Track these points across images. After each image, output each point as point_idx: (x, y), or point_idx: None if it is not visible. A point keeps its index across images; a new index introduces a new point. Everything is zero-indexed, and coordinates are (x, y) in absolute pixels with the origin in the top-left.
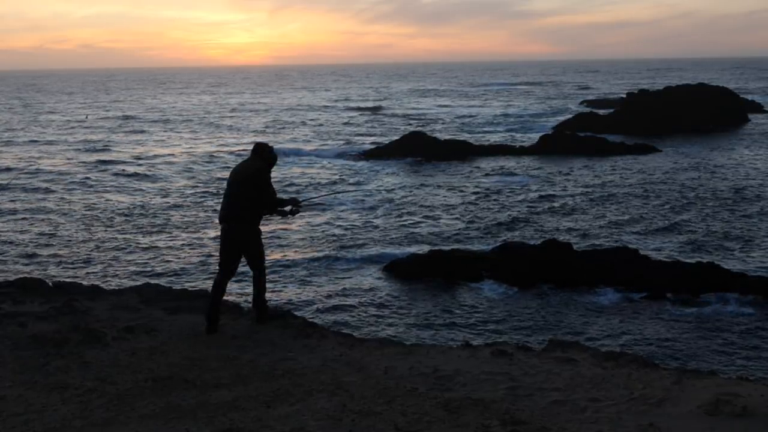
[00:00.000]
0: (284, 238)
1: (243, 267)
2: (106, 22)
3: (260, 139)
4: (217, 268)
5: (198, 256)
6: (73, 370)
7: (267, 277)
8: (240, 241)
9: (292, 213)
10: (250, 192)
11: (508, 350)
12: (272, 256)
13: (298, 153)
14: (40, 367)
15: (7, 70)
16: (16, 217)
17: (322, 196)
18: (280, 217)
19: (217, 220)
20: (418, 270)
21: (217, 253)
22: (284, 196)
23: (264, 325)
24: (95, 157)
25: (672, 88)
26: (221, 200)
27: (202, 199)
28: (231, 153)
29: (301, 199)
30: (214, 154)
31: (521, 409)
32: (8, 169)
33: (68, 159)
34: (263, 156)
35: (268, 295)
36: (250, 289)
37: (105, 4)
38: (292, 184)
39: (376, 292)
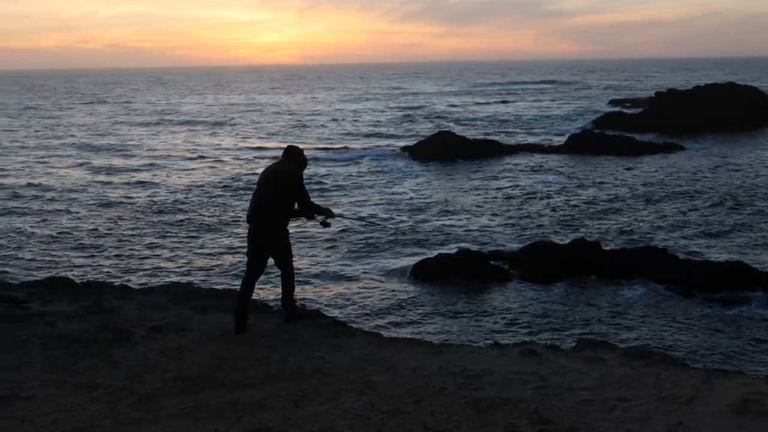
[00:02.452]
0: (312, 237)
1: (272, 267)
2: (133, 21)
3: (289, 138)
4: (245, 267)
5: (227, 256)
6: (101, 370)
7: (295, 276)
8: (266, 242)
9: (324, 224)
10: (281, 194)
11: (536, 350)
12: (300, 255)
13: (326, 152)
14: (69, 366)
15: (36, 70)
16: (42, 215)
17: (354, 219)
18: (310, 221)
19: (244, 220)
20: (447, 269)
21: (245, 253)
22: (319, 202)
23: (292, 325)
24: (120, 155)
25: (701, 88)
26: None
27: (230, 199)
28: (259, 152)
29: (335, 212)
30: (242, 154)
31: (550, 409)
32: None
33: (90, 157)
34: (295, 159)
35: (296, 295)
36: (278, 289)
37: (132, 4)
38: (319, 183)
39: (405, 292)
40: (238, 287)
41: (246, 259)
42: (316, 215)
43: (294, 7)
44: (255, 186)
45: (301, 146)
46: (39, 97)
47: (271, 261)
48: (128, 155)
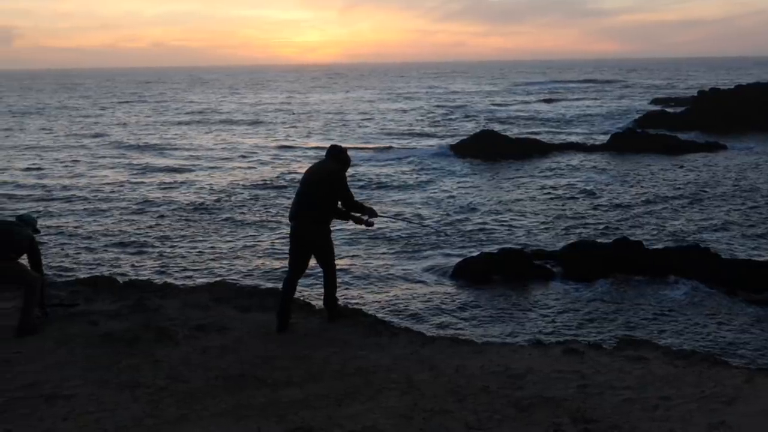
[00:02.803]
0: (354, 236)
1: (314, 266)
2: (177, 20)
3: (330, 137)
4: (288, 266)
5: (269, 255)
6: (144, 369)
7: (338, 275)
8: (309, 240)
9: (368, 223)
10: (324, 193)
11: (579, 348)
12: (342, 254)
13: (367, 151)
14: (112, 365)
15: (80, 68)
16: (83, 215)
17: (397, 219)
18: (352, 221)
19: (286, 219)
20: (489, 268)
21: (288, 252)
22: (361, 201)
23: (335, 324)
24: (160, 154)
25: (743, 87)
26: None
27: (271, 198)
28: (301, 151)
29: (378, 212)
30: (283, 153)
31: (592, 408)
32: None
33: (130, 157)
34: (339, 158)
35: (338, 293)
36: (321, 288)
37: (176, 3)
38: (360, 182)
39: (447, 291)
40: (281, 286)
41: (288, 258)
42: (359, 214)
43: (336, 5)
44: (298, 185)
45: (342, 145)
46: (80, 96)
47: (313, 260)
48: (169, 154)
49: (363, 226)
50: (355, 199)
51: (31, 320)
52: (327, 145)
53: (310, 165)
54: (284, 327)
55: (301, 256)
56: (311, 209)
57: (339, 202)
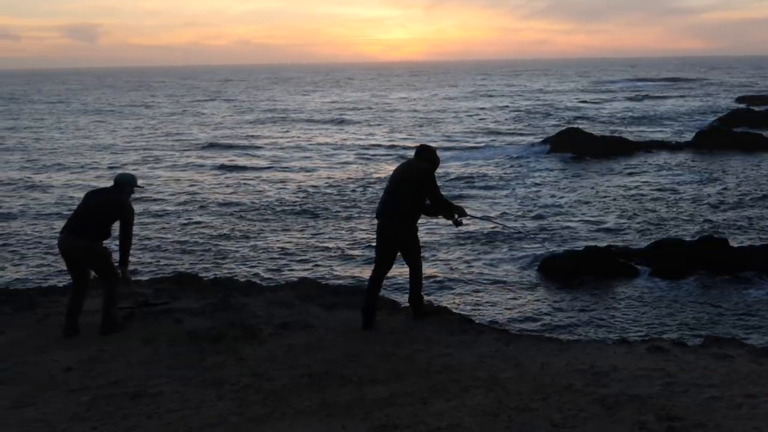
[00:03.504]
0: (438, 234)
1: (399, 264)
2: (262, 18)
3: (415, 136)
4: (373, 263)
5: (354, 252)
6: (229, 367)
7: (423, 273)
8: (396, 237)
9: (457, 222)
10: (413, 191)
11: (664, 346)
12: (426, 252)
13: (452, 150)
14: (196, 363)
15: (165, 66)
16: (167, 213)
17: (485, 219)
18: (442, 218)
19: (372, 217)
20: (574, 266)
21: (373, 249)
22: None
23: (420, 321)
24: (243, 152)
25: None
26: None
27: (357, 196)
28: (385, 150)
29: (466, 212)
30: (368, 151)
31: (677, 405)
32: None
33: (211, 155)
34: (428, 158)
35: (424, 292)
36: (406, 285)
37: (262, 1)
38: (446, 181)
39: (532, 288)
40: (366, 284)
41: (374, 256)
42: (448, 213)
43: (421, 3)
44: (386, 183)
45: (431, 145)
46: (163, 94)
47: (399, 258)
48: (250, 153)
49: (451, 223)
50: (444, 198)
51: (113, 317)
52: (411, 143)
53: (399, 164)
54: (370, 324)
55: (386, 253)
56: (399, 207)
57: (428, 201)
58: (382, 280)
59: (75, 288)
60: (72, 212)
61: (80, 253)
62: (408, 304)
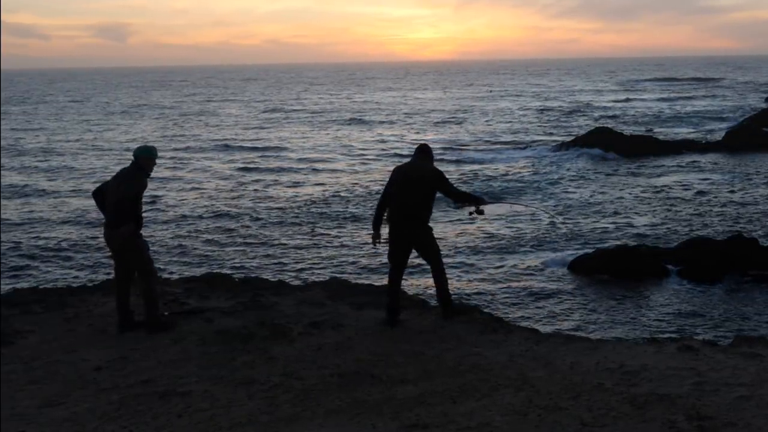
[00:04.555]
0: (467, 234)
1: (417, 263)
2: (291, 17)
3: (444, 134)
4: (390, 265)
5: (384, 252)
6: (259, 366)
7: (453, 272)
8: (415, 240)
9: (479, 212)
10: (430, 194)
11: (694, 345)
12: (456, 253)
13: (480, 151)
14: (226, 362)
15: (194, 66)
16: (197, 214)
17: (506, 203)
18: (461, 209)
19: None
20: (604, 265)
21: (388, 252)
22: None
23: (449, 320)
24: (270, 153)
25: None
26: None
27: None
28: (407, 148)
29: (487, 201)
30: (394, 151)
31: (707, 405)
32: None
33: (238, 155)
34: (431, 156)
35: (453, 291)
36: (432, 283)
37: (291, 0)
38: (475, 178)
39: (562, 288)
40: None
41: (389, 256)
42: (470, 204)
43: (451, 2)
44: (391, 186)
45: (457, 144)
46: (184, 94)
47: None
48: (276, 154)
49: (474, 212)
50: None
51: (158, 313)
52: (439, 142)
53: (399, 166)
54: (395, 322)
55: (405, 256)
56: (419, 212)
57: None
58: (402, 276)
59: (116, 282)
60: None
61: (116, 245)
62: (437, 304)
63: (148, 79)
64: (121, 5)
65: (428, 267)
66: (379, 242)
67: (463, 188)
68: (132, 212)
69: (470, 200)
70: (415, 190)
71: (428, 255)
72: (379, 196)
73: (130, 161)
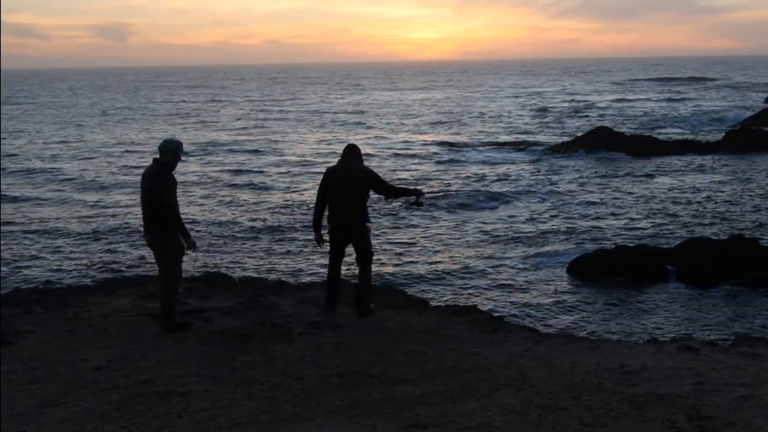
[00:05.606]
0: (467, 235)
1: (433, 266)
2: (291, 17)
3: (442, 134)
4: (372, 262)
5: (382, 252)
6: (259, 366)
7: (453, 272)
8: (350, 238)
9: (417, 204)
10: (366, 194)
11: (694, 345)
12: (456, 252)
13: (480, 149)
14: (226, 362)
15: (195, 66)
16: (200, 212)
17: (441, 192)
18: (401, 202)
19: (395, 219)
20: (603, 266)
21: (402, 249)
22: (418, 187)
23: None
24: (269, 153)
25: None
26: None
27: (382, 198)
28: (411, 149)
29: (424, 191)
30: (391, 150)
31: (707, 405)
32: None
33: (239, 156)
34: (360, 156)
35: (454, 291)
36: (438, 287)
37: (291, 0)
38: (472, 178)
39: (562, 288)
40: (325, 279)
41: (330, 253)
42: (408, 197)
43: (451, 2)
44: (322, 189)
45: (455, 144)
46: (182, 94)
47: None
48: (278, 153)
49: (416, 206)
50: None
51: (173, 314)
52: (437, 143)
53: (330, 168)
54: (332, 309)
55: (340, 251)
56: (358, 212)
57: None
58: (340, 273)
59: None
60: None
61: (153, 248)
62: (357, 303)
63: (141, 79)
64: (121, 5)
65: (428, 266)
66: (323, 243)
67: (400, 185)
68: (171, 214)
69: (409, 193)
70: (347, 191)
71: (361, 255)
72: (379, 198)
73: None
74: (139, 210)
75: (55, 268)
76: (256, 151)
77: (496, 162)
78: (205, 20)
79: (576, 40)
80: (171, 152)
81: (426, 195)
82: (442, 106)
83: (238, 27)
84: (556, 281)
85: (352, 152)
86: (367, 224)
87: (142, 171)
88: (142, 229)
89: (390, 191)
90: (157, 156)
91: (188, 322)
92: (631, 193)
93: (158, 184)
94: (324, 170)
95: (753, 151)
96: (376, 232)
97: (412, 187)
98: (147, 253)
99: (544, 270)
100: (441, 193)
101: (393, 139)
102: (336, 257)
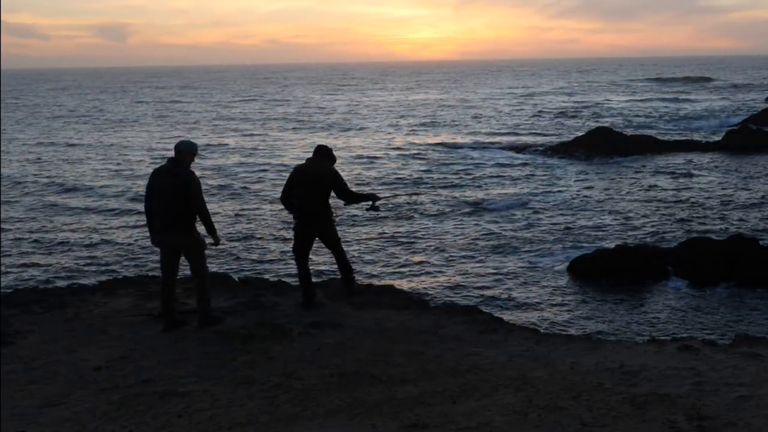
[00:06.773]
0: (467, 235)
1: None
2: (291, 17)
3: (442, 134)
4: (377, 262)
5: (381, 252)
6: (259, 366)
7: (453, 272)
8: (315, 232)
9: (374, 209)
10: (328, 191)
11: (694, 345)
12: (456, 252)
13: (479, 148)
14: (227, 362)
15: (194, 66)
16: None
17: (399, 195)
18: (359, 206)
19: (394, 219)
20: (604, 266)
21: (402, 248)
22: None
23: (355, 296)
24: (269, 154)
25: None
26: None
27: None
28: (410, 149)
29: (380, 196)
30: (389, 152)
31: (707, 404)
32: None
33: (237, 156)
34: (330, 156)
35: (455, 290)
36: (439, 288)
37: (291, 0)
38: (471, 176)
39: (562, 288)
40: (299, 274)
41: (297, 248)
42: (366, 201)
43: (450, 2)
44: (288, 185)
45: (455, 144)
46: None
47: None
48: (276, 153)
49: (372, 211)
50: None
51: (208, 311)
52: (437, 143)
53: (300, 165)
54: (311, 303)
55: (306, 245)
56: (321, 207)
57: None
58: (308, 264)
59: (163, 280)
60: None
61: (175, 246)
62: (343, 285)
63: (131, 80)
64: (121, 5)
65: (428, 266)
66: (374, 207)
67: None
68: (188, 211)
69: (363, 199)
70: (311, 188)
71: (329, 242)
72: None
73: (174, 154)
74: (138, 210)
75: (55, 268)
76: (261, 150)
77: (495, 163)
78: (205, 20)
79: (576, 40)
80: (189, 152)
81: (381, 200)
82: (440, 106)
83: (238, 27)
84: (556, 281)
85: (320, 152)
86: (331, 217)
87: (142, 171)
88: (149, 228)
89: (347, 195)
90: (172, 155)
91: (219, 317)
92: (630, 193)
93: (191, 183)
94: (294, 167)
95: (753, 151)
96: (377, 232)
97: (367, 192)
98: (147, 253)
99: (544, 270)
100: (439, 194)
101: (389, 140)
102: (304, 249)
